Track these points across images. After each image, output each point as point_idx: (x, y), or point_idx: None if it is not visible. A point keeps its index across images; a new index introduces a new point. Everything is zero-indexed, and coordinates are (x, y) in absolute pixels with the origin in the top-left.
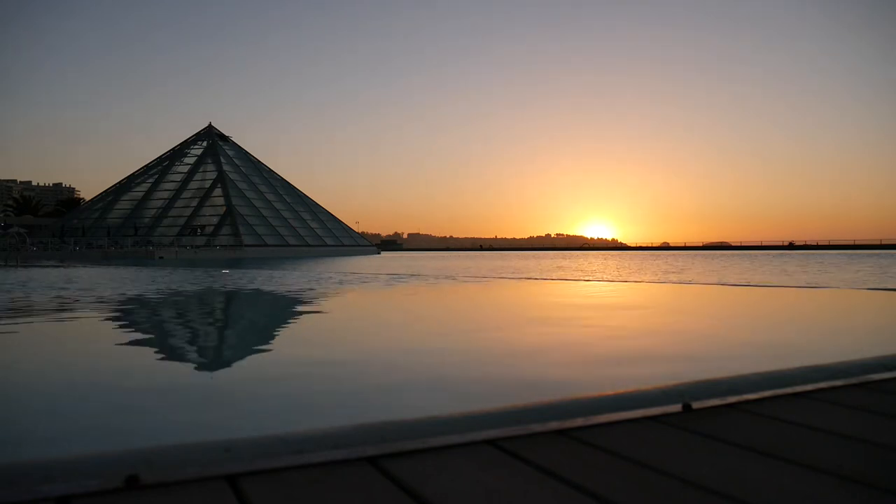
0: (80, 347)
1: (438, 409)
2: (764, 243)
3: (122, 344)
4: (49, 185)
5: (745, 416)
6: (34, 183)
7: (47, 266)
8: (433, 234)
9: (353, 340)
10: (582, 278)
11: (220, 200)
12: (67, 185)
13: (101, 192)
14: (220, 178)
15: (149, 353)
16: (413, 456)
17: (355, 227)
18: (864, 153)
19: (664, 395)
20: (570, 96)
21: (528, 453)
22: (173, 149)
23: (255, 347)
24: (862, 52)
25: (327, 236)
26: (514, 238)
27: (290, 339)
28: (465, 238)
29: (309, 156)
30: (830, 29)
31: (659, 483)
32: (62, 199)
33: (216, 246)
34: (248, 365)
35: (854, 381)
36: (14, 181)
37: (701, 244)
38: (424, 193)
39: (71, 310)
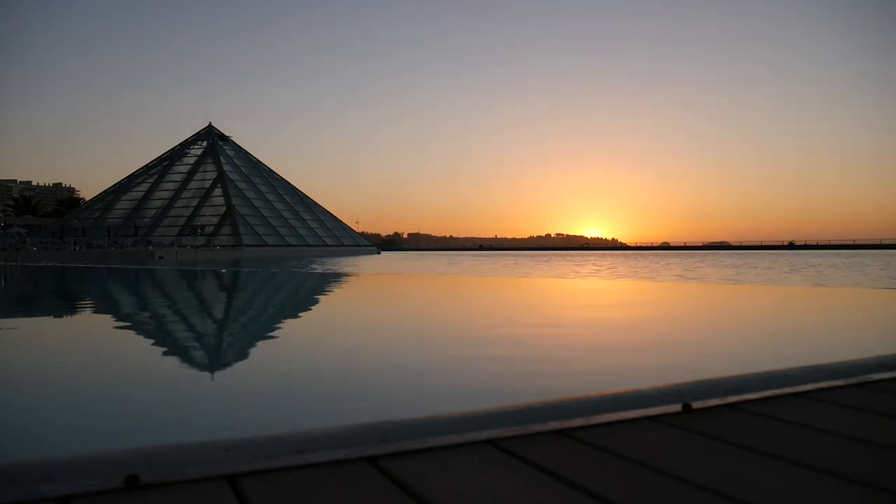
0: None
1: (438, 408)
2: (764, 243)
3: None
4: (49, 185)
5: (745, 416)
6: (34, 183)
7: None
8: (433, 234)
9: (354, 340)
10: (583, 275)
11: (220, 200)
12: (67, 185)
13: (101, 192)
14: (220, 178)
15: (144, 350)
16: (413, 456)
17: (355, 227)
18: (865, 153)
19: (664, 395)
20: (570, 95)
21: (528, 453)
22: (173, 149)
23: (256, 346)
24: (861, 52)
25: (327, 236)
26: (515, 238)
27: (290, 339)
28: (466, 238)
29: (309, 156)
30: (829, 28)
31: (659, 483)
32: (62, 199)
33: (216, 246)
34: (249, 364)
35: (854, 381)
36: (14, 181)
37: (701, 244)
38: (424, 193)
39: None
